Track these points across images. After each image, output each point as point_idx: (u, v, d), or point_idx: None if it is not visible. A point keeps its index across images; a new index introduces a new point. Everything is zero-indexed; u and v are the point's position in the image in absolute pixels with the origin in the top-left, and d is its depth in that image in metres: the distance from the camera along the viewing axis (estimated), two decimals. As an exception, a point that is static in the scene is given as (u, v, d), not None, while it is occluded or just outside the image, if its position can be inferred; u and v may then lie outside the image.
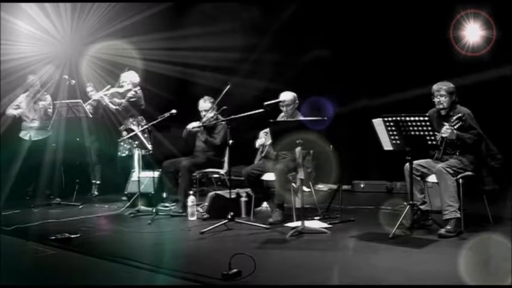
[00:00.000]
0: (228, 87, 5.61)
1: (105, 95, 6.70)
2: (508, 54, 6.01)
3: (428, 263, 3.77)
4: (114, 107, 6.69)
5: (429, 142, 4.45)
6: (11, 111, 6.95)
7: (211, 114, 6.08)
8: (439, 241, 4.35)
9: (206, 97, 6.20)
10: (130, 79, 6.77)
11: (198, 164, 6.07)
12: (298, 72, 7.65)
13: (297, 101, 5.61)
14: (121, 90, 6.74)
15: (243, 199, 5.78)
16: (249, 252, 3.69)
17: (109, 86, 6.82)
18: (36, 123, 6.98)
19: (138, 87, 6.82)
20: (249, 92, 7.29)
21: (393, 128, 4.53)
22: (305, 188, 5.40)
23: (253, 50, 7.99)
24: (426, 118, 4.38)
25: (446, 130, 4.51)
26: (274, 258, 4.07)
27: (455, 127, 4.52)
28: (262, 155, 5.72)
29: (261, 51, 7.92)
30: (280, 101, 5.51)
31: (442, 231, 4.46)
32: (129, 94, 6.71)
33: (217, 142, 6.05)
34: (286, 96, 5.54)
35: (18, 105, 6.99)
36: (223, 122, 5.90)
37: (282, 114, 5.68)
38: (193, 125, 6.10)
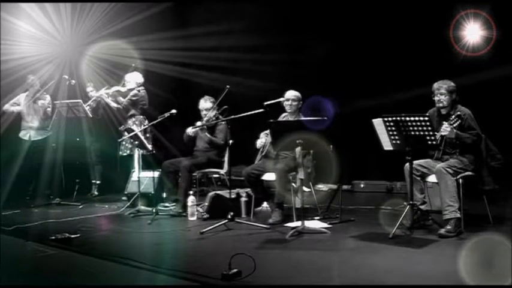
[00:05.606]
0: (227, 89, 5.62)
1: (107, 93, 6.72)
2: (508, 54, 6.01)
3: (428, 263, 3.77)
4: (115, 105, 6.69)
5: (429, 142, 4.45)
6: (10, 107, 6.92)
7: (212, 114, 6.09)
8: (439, 241, 4.35)
9: (207, 97, 6.21)
10: (134, 79, 6.79)
11: (198, 164, 6.06)
12: (299, 73, 7.65)
13: (301, 101, 5.62)
14: (123, 89, 6.75)
15: (243, 199, 5.79)
16: (249, 252, 3.68)
17: (111, 87, 6.83)
18: (35, 123, 6.98)
19: (142, 88, 6.83)
20: (250, 92, 7.28)
21: (393, 128, 4.54)
22: (305, 188, 5.40)
23: (254, 50, 7.98)
24: (426, 118, 4.38)
25: (445, 128, 4.52)
26: (274, 258, 4.06)
27: (454, 125, 4.52)
28: (263, 153, 5.72)
29: (262, 52, 7.92)
30: (279, 101, 5.52)
31: (442, 231, 4.47)
32: (131, 93, 6.72)
33: (220, 142, 6.05)
34: (293, 93, 5.56)
35: (18, 104, 6.96)
36: (223, 122, 5.91)
37: (284, 114, 5.69)
38: (192, 129, 6.09)
